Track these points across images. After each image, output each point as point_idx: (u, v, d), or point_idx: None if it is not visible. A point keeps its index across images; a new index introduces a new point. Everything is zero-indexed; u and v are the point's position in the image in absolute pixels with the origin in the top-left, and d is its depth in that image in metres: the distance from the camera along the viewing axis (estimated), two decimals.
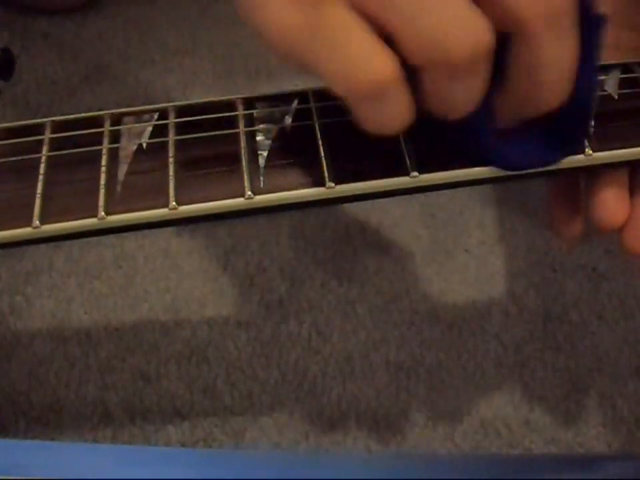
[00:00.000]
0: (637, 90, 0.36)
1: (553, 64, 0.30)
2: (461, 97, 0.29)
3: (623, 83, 0.36)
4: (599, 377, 0.55)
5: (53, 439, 0.52)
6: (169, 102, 0.35)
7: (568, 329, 0.58)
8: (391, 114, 0.29)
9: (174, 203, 0.32)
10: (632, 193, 0.38)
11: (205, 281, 0.60)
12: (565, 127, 0.33)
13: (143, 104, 0.35)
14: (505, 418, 0.54)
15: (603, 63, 0.37)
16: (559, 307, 0.59)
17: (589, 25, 0.30)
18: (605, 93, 0.36)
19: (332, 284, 0.60)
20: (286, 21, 0.28)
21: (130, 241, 0.61)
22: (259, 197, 0.32)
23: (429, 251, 0.62)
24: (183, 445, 0.52)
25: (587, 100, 0.32)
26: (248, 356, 0.56)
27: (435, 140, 0.33)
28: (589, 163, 0.34)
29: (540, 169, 0.34)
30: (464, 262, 0.61)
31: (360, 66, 0.27)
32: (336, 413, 0.53)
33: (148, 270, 0.60)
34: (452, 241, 0.62)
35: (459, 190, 0.34)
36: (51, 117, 0.35)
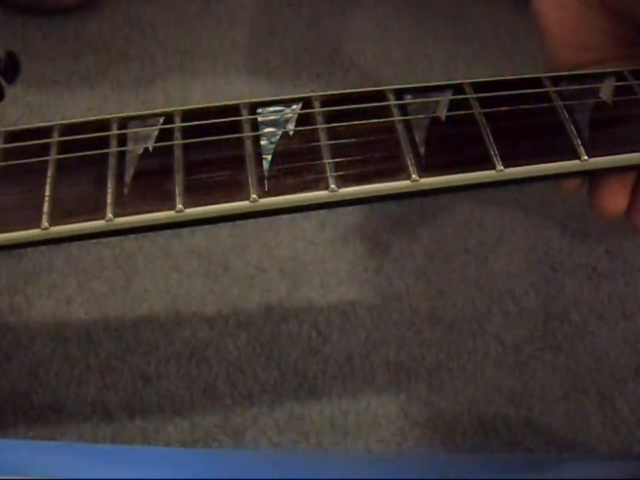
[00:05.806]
0: (631, 97, 0.37)
1: None
2: None
3: (617, 90, 0.37)
4: (599, 377, 0.55)
5: (53, 439, 0.52)
6: (168, 102, 0.35)
7: (568, 329, 0.58)
8: None
9: (180, 206, 0.33)
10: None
11: (204, 281, 0.60)
12: None
13: (143, 103, 0.36)
14: (505, 418, 0.54)
15: (598, 70, 0.38)
16: (559, 306, 0.59)
17: None
18: (600, 100, 0.37)
19: (332, 284, 0.60)
20: None
21: (130, 240, 0.61)
22: (263, 200, 0.33)
23: (428, 251, 0.62)
24: (183, 444, 0.52)
25: None
26: (248, 356, 0.56)
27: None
28: (583, 168, 0.35)
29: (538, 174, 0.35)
30: (464, 262, 0.61)
31: None
32: (336, 413, 0.53)
33: (148, 270, 0.60)
34: (452, 240, 0.62)
35: None
36: (52, 116, 0.35)
